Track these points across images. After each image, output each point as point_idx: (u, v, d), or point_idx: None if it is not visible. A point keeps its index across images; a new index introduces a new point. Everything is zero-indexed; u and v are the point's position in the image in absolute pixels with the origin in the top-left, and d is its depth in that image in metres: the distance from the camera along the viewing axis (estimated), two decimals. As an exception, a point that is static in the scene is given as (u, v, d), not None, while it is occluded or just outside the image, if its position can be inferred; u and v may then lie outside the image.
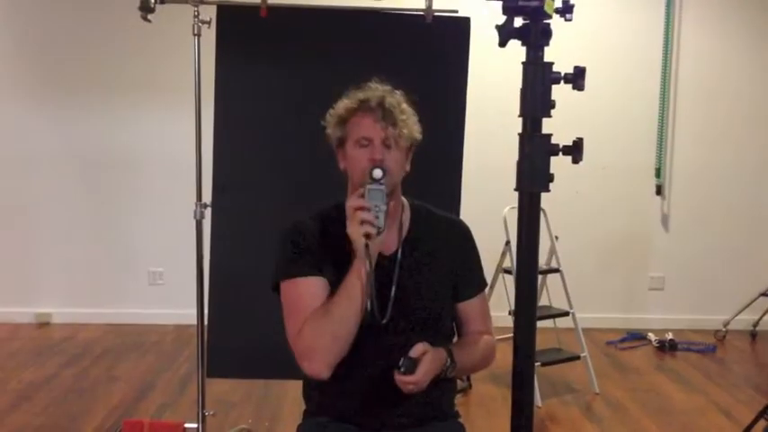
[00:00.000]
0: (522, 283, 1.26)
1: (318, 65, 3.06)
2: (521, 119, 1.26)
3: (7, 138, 5.18)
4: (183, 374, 4.24)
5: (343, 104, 1.89)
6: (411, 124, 1.86)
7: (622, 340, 5.06)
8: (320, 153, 2.87)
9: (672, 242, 5.41)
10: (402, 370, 1.72)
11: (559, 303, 4.27)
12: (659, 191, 5.35)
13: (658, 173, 5.32)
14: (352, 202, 1.73)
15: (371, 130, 1.82)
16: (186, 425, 3.06)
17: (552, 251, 4.23)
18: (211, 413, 3.25)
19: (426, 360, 1.74)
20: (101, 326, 5.17)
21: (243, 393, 3.93)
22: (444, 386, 1.94)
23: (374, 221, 1.71)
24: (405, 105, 1.87)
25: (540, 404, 3.89)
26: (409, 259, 1.89)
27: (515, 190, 1.25)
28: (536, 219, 1.23)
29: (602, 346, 4.96)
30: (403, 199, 1.93)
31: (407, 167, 1.88)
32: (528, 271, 1.26)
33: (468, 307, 1.96)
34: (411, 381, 1.73)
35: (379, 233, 1.72)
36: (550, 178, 1.23)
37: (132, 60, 5.11)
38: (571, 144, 1.22)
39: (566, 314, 4.21)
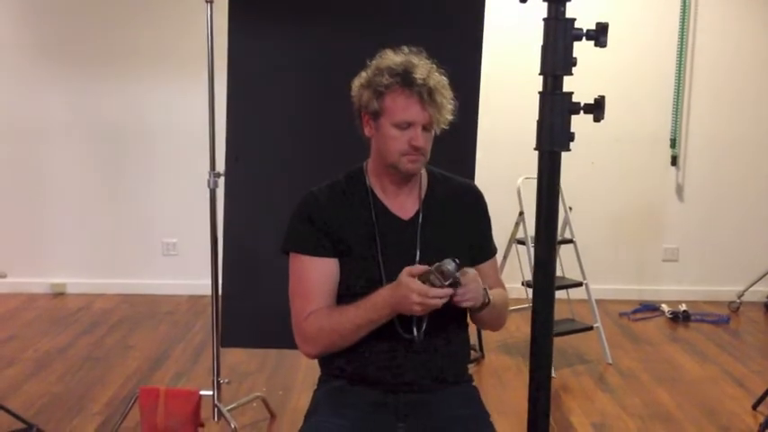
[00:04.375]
0: (541, 245, 1.24)
1: (331, 33, 3.04)
2: (540, 78, 1.24)
3: (21, 109, 5.18)
4: (198, 344, 4.27)
5: (379, 72, 1.77)
6: (449, 107, 1.80)
7: (635, 311, 5.05)
8: (334, 121, 2.84)
9: (686, 213, 5.37)
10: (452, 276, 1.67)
11: (573, 274, 4.26)
12: (674, 161, 5.29)
13: (673, 143, 5.27)
14: (436, 293, 1.66)
15: (415, 115, 1.76)
16: (201, 392, 3.08)
17: (566, 222, 4.21)
18: (226, 381, 3.27)
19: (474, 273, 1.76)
20: (115, 296, 5.21)
21: (257, 363, 3.96)
22: (460, 348, 1.95)
23: (431, 308, 1.70)
24: (446, 84, 1.80)
25: (553, 374, 3.90)
26: (429, 222, 1.89)
27: (535, 149, 1.23)
28: (556, 179, 1.21)
29: (616, 317, 4.95)
30: None
31: None
32: (547, 234, 1.23)
33: (482, 269, 1.93)
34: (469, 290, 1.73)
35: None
36: (571, 137, 1.21)
37: (145, 30, 5.08)
38: (593, 102, 1.19)
39: (579, 285, 4.20)
